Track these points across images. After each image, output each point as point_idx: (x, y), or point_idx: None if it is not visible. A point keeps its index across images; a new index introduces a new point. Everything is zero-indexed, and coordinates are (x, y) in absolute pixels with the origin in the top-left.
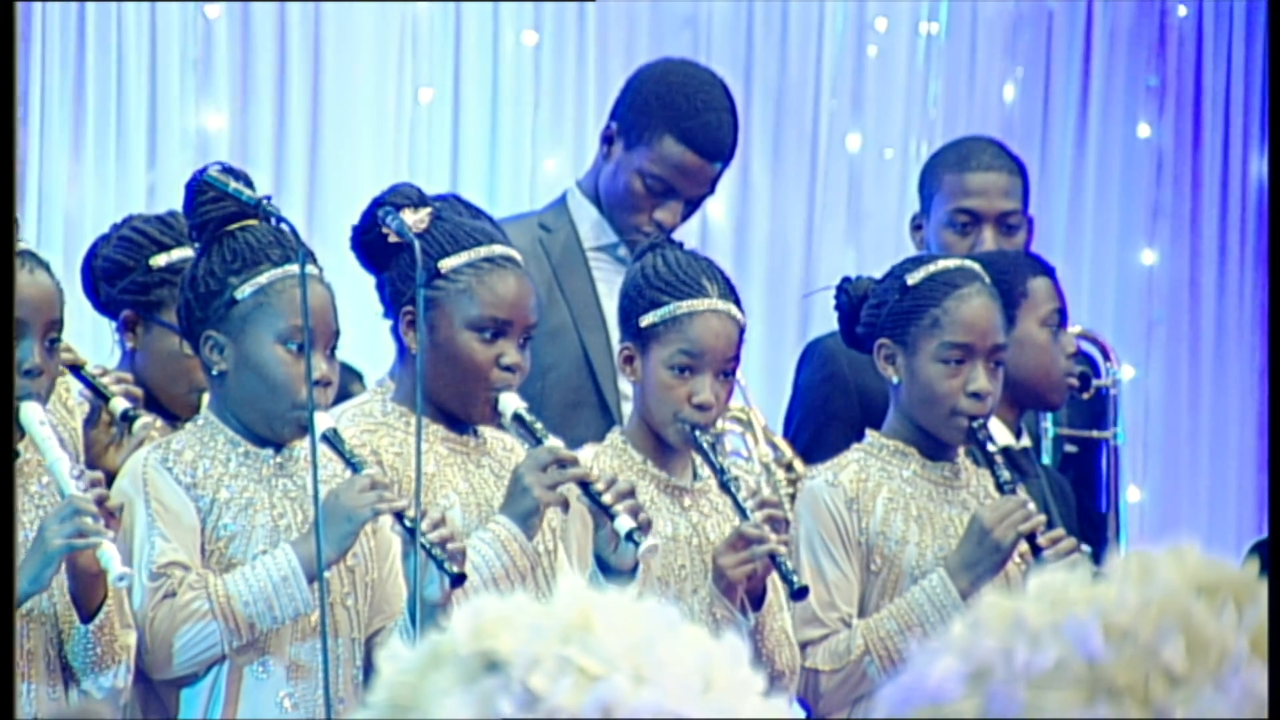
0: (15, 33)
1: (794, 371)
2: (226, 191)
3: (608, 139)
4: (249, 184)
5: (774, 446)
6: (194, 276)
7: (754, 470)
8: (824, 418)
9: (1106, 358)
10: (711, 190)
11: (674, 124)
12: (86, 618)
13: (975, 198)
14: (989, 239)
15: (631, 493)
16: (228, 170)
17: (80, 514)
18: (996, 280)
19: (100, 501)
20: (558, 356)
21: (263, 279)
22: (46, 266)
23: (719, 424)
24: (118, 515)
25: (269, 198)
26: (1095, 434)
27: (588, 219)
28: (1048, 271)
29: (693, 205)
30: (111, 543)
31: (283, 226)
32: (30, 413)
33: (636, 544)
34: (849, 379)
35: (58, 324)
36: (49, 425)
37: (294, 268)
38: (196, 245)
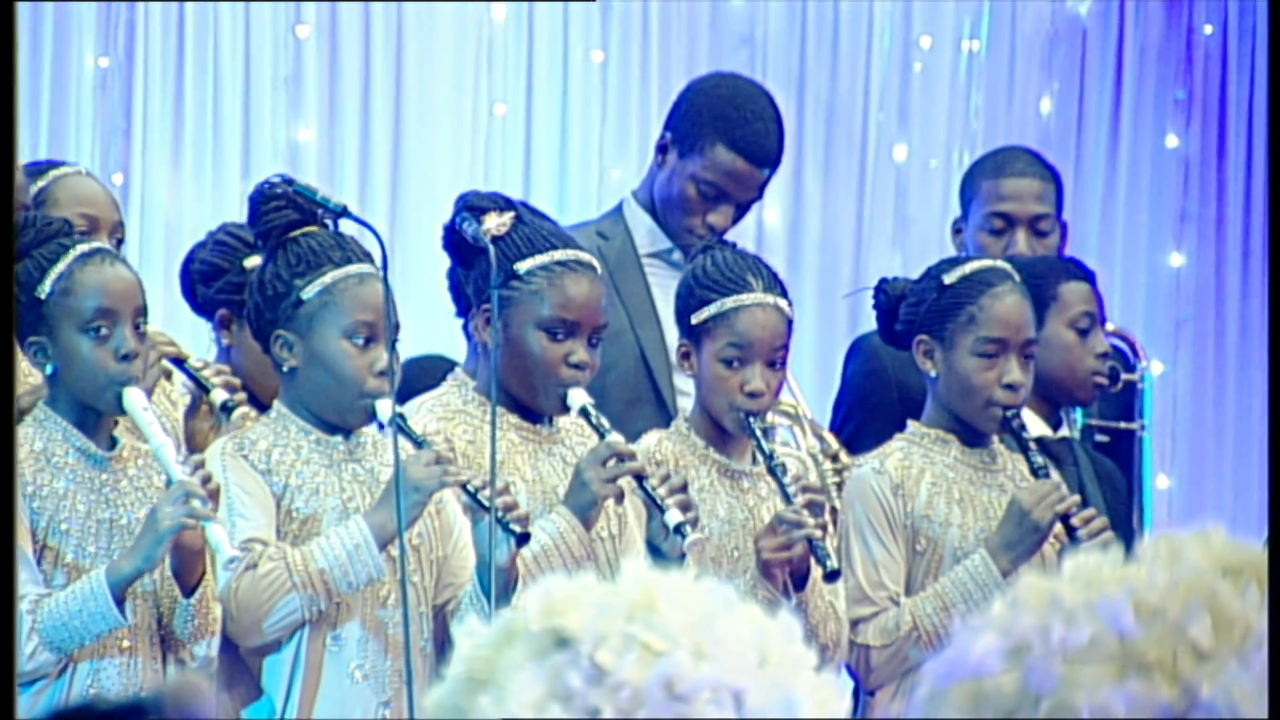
0: (15, 33)
1: (841, 366)
2: (313, 198)
3: (662, 148)
4: (310, 192)
5: (820, 439)
6: (261, 280)
7: (804, 461)
8: (867, 410)
9: (1136, 355)
10: (760, 195)
11: (725, 133)
12: (188, 592)
13: (1009, 202)
14: (1021, 241)
15: (684, 488)
16: (288, 182)
17: (191, 497)
18: (1030, 283)
19: (205, 483)
20: (617, 356)
21: (326, 279)
22: (123, 260)
23: (770, 417)
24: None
25: (345, 206)
26: (1123, 425)
27: (642, 226)
28: (1086, 276)
29: (742, 209)
30: (219, 525)
31: (359, 229)
32: (133, 399)
33: (684, 536)
34: (890, 374)
35: (143, 310)
36: (151, 411)
37: (355, 267)
38: (265, 249)
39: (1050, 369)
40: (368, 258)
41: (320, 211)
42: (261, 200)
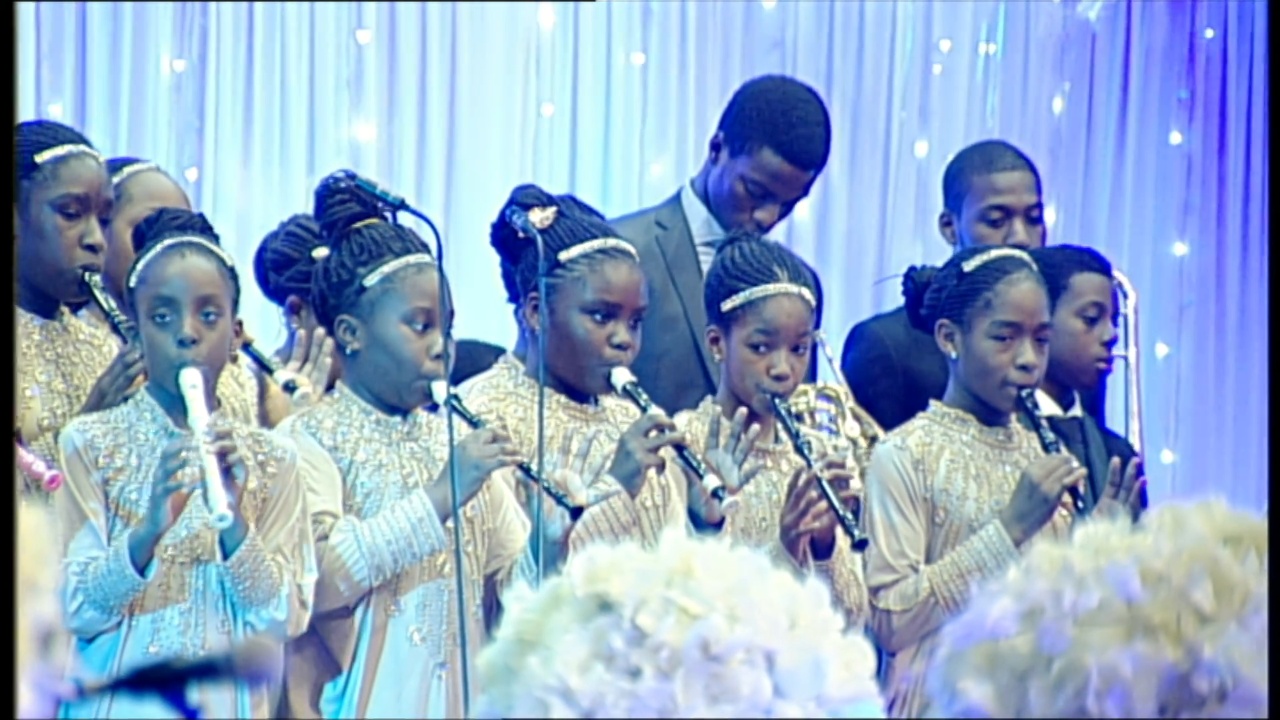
0: (15, 33)
1: (843, 350)
2: (372, 192)
3: (716, 145)
4: (370, 186)
5: (859, 420)
6: (326, 269)
7: (841, 443)
8: (871, 394)
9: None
10: (805, 193)
11: (772, 137)
12: (225, 555)
13: (1005, 195)
14: (1019, 229)
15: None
16: (351, 177)
17: (169, 458)
18: (1044, 272)
19: (223, 454)
20: (671, 343)
21: (387, 268)
22: (203, 250)
23: (813, 400)
24: (240, 464)
25: (403, 200)
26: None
27: (699, 217)
28: (1100, 268)
29: (788, 206)
30: (220, 487)
31: (416, 221)
32: (184, 377)
33: (720, 499)
34: (895, 359)
35: (213, 300)
36: (199, 389)
37: (413, 257)
38: (330, 240)
39: (1057, 354)
40: (425, 248)
41: (380, 205)
42: (327, 194)
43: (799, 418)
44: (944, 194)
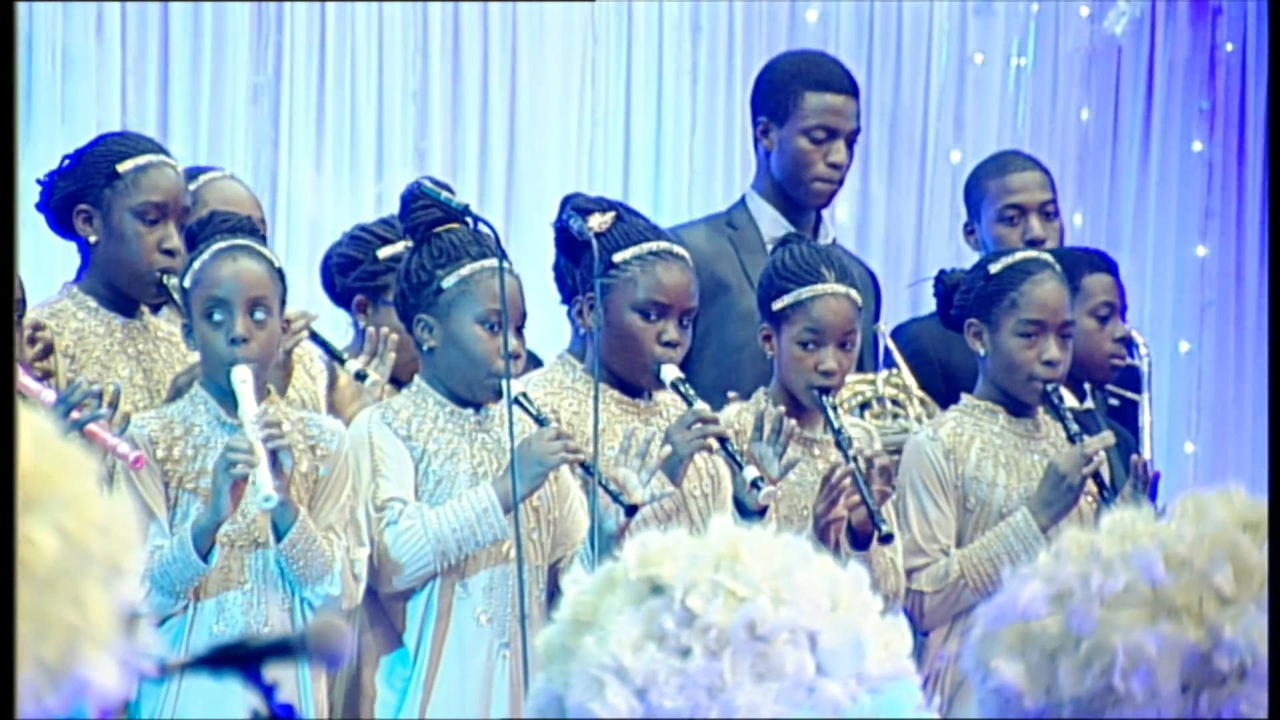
0: (15, 33)
1: (883, 350)
2: (437, 199)
3: (764, 132)
4: (452, 193)
5: (925, 405)
6: (407, 270)
7: (869, 430)
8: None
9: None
10: (859, 127)
11: (806, 80)
12: (277, 539)
13: (1019, 193)
14: (1035, 225)
15: (790, 434)
16: (436, 183)
17: (232, 450)
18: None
19: (270, 440)
20: (749, 336)
21: (464, 271)
22: (253, 253)
23: (881, 387)
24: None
25: (467, 206)
26: (1130, 395)
27: (766, 216)
28: (1109, 268)
29: (850, 145)
30: (267, 471)
31: (481, 227)
32: (236, 373)
33: (759, 488)
34: (934, 356)
35: (262, 301)
36: (249, 384)
37: (490, 261)
38: (412, 242)
39: (1076, 354)
40: (503, 253)
41: (440, 211)
42: (411, 200)
43: (866, 405)
44: (965, 205)
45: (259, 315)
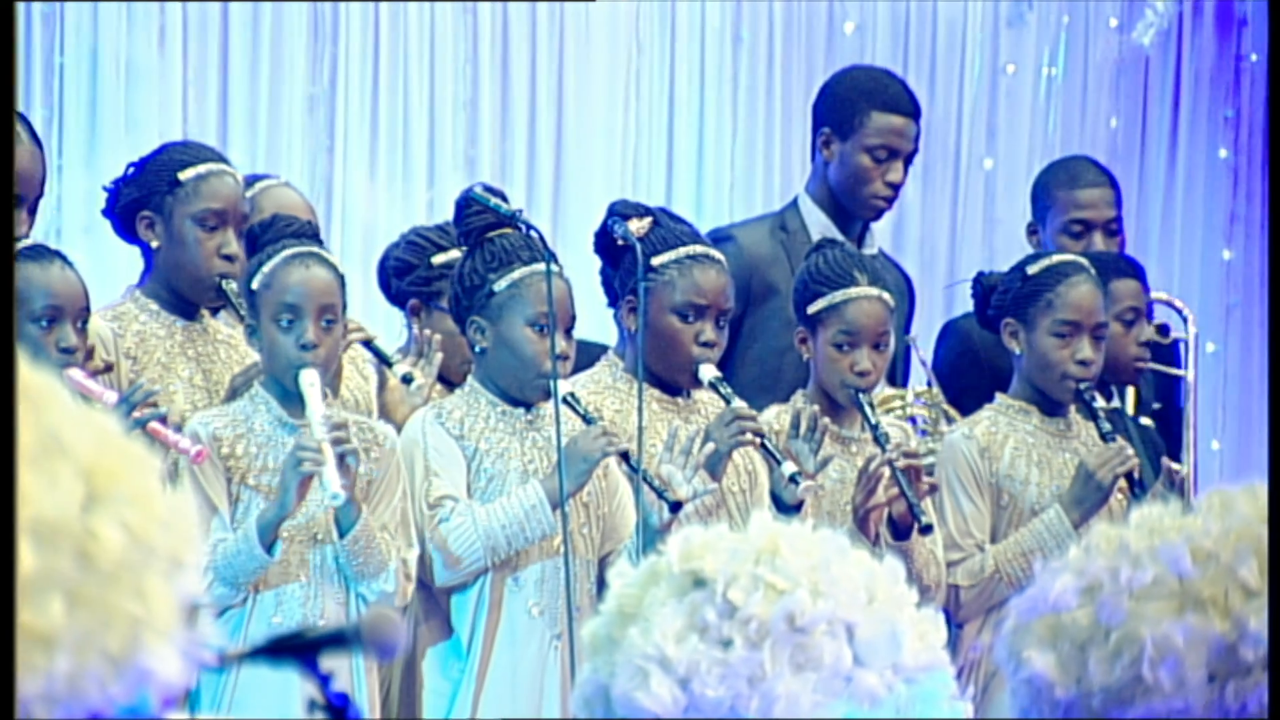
0: (15, 33)
1: (934, 346)
2: (488, 206)
3: (825, 143)
4: (504, 199)
5: (953, 421)
6: (461, 274)
7: (905, 429)
8: (959, 387)
9: (1183, 316)
10: (916, 148)
11: (875, 101)
12: (341, 534)
13: (1087, 210)
14: (1098, 242)
15: (824, 434)
16: (489, 189)
17: (304, 449)
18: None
19: (338, 442)
20: (792, 340)
21: (515, 275)
22: (323, 261)
23: (910, 407)
24: (354, 452)
25: (518, 211)
26: (1173, 370)
27: (818, 222)
28: (1136, 273)
29: (907, 163)
30: (335, 470)
31: (532, 233)
32: (305, 377)
33: (797, 484)
34: (982, 355)
35: (331, 308)
36: (316, 387)
37: (540, 265)
38: (466, 248)
39: (1106, 356)
40: (553, 257)
41: (492, 216)
42: (465, 206)
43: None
44: (1031, 206)
45: (327, 321)
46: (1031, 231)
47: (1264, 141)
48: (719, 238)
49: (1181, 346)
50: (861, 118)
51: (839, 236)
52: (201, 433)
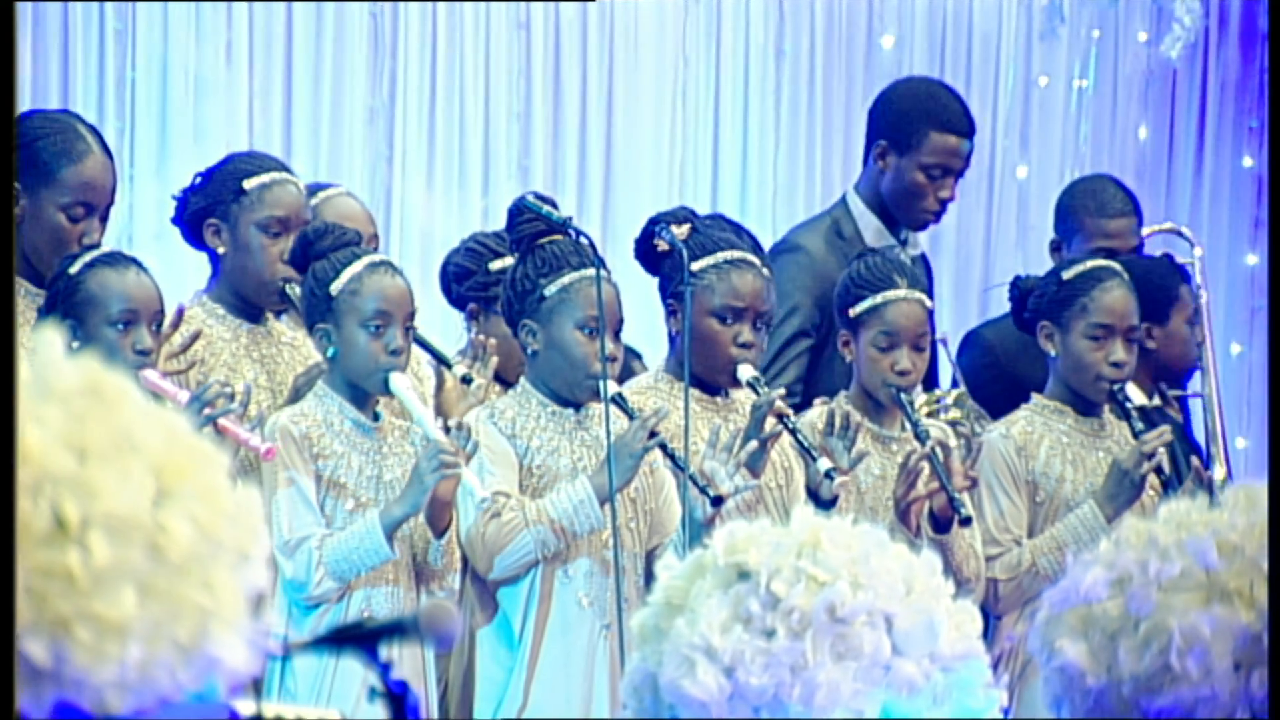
0: (15, 33)
1: (956, 354)
2: (539, 213)
3: (881, 154)
4: (555, 207)
5: (979, 417)
6: (513, 279)
7: (944, 429)
8: (981, 397)
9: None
10: (967, 164)
11: (935, 121)
12: (439, 534)
13: (1114, 239)
14: None
15: (857, 431)
16: (540, 197)
17: (443, 453)
18: (1155, 284)
19: (463, 441)
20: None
21: (565, 280)
22: (401, 273)
23: (952, 412)
24: (473, 453)
25: (569, 219)
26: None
27: (871, 227)
28: (1188, 280)
29: (957, 179)
30: (471, 473)
31: (581, 239)
32: (398, 382)
33: (832, 479)
34: (1004, 365)
35: (412, 315)
36: (413, 390)
37: (589, 271)
38: (517, 254)
39: (1172, 358)
40: (600, 263)
41: (543, 224)
42: (516, 214)
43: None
44: (1056, 223)
45: (407, 328)
46: (1055, 248)
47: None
48: (786, 248)
49: (1191, 269)
50: (920, 137)
51: (891, 241)
52: (294, 430)
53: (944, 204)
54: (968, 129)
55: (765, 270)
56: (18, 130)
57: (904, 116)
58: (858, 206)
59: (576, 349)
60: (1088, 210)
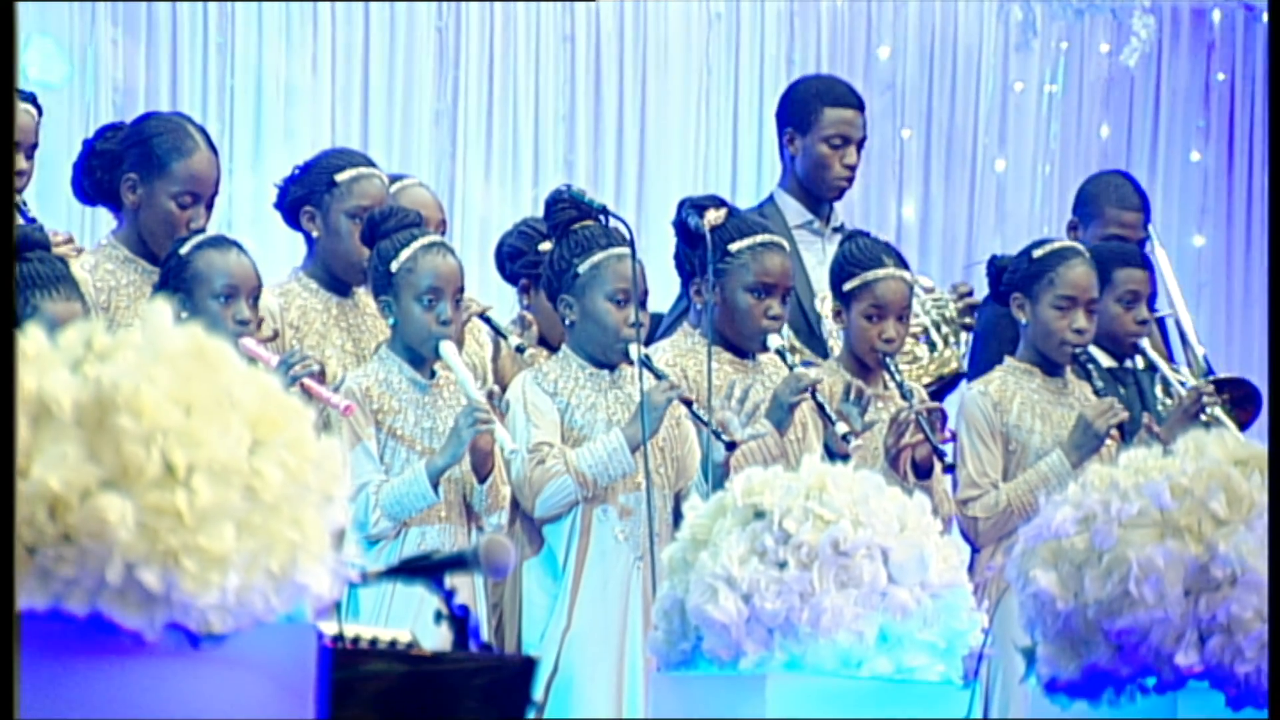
0: (15, 33)
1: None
2: (581, 200)
3: (789, 140)
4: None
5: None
6: (551, 260)
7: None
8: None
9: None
10: (866, 134)
11: (825, 98)
12: (481, 480)
13: (1127, 229)
14: None
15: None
16: (569, 188)
17: (480, 411)
18: (1097, 266)
19: (493, 400)
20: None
21: (596, 258)
22: (450, 250)
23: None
24: (505, 412)
25: (604, 205)
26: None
27: (791, 208)
28: (1143, 264)
29: (859, 148)
30: (503, 428)
31: (614, 221)
32: (447, 349)
33: (849, 441)
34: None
35: (461, 290)
36: (459, 356)
37: (616, 250)
38: (554, 238)
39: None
40: (625, 243)
41: (576, 210)
42: (553, 202)
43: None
44: (1077, 206)
45: (457, 301)
46: (1072, 228)
47: (1229, 146)
48: None
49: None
50: (816, 114)
51: (810, 217)
52: (356, 388)
53: (851, 170)
54: (857, 102)
55: (789, 250)
56: (36, 125)
57: (800, 102)
58: (783, 198)
59: (608, 317)
60: (1109, 200)
